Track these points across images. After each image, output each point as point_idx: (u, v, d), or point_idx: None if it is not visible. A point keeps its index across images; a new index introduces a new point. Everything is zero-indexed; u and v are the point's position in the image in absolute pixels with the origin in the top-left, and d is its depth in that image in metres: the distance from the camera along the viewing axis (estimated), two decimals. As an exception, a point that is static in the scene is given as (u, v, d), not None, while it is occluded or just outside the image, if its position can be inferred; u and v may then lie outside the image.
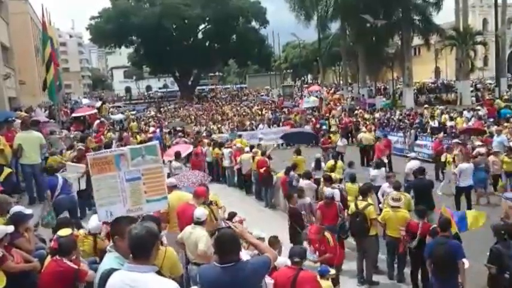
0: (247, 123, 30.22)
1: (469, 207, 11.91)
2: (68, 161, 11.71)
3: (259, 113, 36.42)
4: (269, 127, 27.49)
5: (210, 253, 5.84)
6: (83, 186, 10.80)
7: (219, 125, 30.25)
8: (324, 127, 25.87)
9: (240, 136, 21.80)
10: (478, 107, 27.30)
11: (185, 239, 6.72)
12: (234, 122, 31.57)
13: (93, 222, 6.65)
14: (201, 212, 6.82)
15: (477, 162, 13.70)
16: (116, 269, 3.38)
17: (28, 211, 6.74)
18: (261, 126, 27.27)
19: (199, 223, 6.66)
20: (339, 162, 15.16)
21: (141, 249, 3.17)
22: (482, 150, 14.59)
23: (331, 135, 21.30)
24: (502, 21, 36.86)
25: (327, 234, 8.03)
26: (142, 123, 30.13)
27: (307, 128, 25.54)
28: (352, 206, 9.21)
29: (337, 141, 20.23)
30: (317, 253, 7.95)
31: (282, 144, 24.61)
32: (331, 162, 14.99)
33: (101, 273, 3.69)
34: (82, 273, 5.22)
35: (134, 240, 3.17)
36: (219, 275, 3.71)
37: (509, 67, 41.59)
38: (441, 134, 19.45)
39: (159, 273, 3.37)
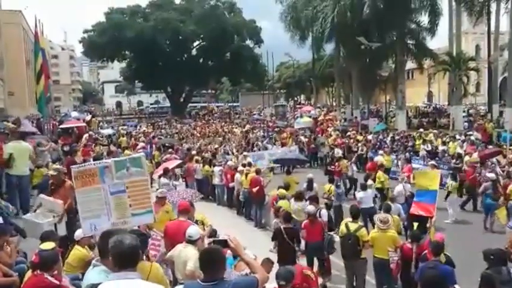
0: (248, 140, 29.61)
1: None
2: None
3: (250, 130, 36.00)
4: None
5: (199, 274, 5.57)
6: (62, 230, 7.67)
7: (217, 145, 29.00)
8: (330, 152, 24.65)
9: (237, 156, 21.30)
10: (470, 132, 27.37)
11: (175, 258, 6.46)
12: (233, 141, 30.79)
13: (77, 231, 6.45)
14: (193, 230, 6.58)
15: (486, 187, 13.64)
16: (98, 284, 3.32)
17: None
18: (269, 146, 26.71)
19: (191, 242, 6.38)
20: (380, 173, 15.68)
21: (129, 259, 3.20)
22: (492, 175, 14.35)
23: (340, 161, 19.62)
24: (495, 48, 37.19)
25: (310, 272, 7.80)
26: (132, 139, 29.54)
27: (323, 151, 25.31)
28: (342, 227, 9.06)
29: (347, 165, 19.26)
30: None
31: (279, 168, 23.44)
32: (380, 173, 15.54)
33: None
34: None
35: (122, 250, 3.20)
36: None
37: (501, 93, 41.83)
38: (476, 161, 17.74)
39: None
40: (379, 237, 8.60)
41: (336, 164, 19.13)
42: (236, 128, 39.92)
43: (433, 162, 18.05)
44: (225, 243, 4.03)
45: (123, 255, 3.20)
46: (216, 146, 26.30)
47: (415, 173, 12.11)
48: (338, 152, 23.24)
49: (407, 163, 18.79)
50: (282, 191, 13.35)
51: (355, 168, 18.91)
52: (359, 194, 13.61)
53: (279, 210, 11.26)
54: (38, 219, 7.43)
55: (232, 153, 22.45)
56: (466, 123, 35.72)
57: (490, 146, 21.72)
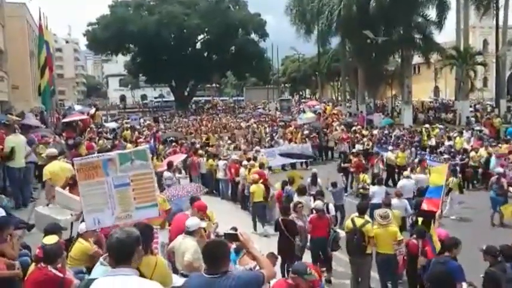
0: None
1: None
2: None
3: (255, 126, 35.70)
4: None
5: (199, 265, 5.60)
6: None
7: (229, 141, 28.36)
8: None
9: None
10: (477, 127, 27.16)
11: (175, 249, 6.56)
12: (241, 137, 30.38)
13: (81, 225, 6.32)
14: (192, 221, 6.61)
15: (491, 182, 13.54)
16: (93, 279, 3.33)
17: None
18: (281, 141, 26.43)
19: (190, 233, 6.42)
20: (418, 169, 15.69)
21: (123, 254, 3.15)
22: (497, 170, 14.29)
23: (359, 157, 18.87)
24: (503, 43, 36.82)
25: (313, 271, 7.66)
26: (136, 132, 29.30)
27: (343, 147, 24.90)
28: (348, 222, 9.00)
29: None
30: None
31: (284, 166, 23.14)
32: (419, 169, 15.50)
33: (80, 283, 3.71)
34: (67, 281, 5.02)
35: (115, 245, 3.17)
36: (204, 285, 3.64)
37: (508, 88, 41.44)
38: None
39: None
40: (380, 233, 8.54)
41: (354, 160, 18.33)
42: (242, 122, 39.65)
43: (445, 156, 17.89)
44: (235, 237, 4.07)
45: (116, 250, 3.17)
46: (229, 142, 26.15)
47: (431, 169, 11.91)
48: (358, 147, 22.95)
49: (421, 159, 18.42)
50: (255, 176, 13.64)
51: (381, 166, 18.42)
52: (372, 189, 13.47)
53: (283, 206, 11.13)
54: (55, 215, 6.83)
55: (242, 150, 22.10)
56: (473, 119, 35.12)
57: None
